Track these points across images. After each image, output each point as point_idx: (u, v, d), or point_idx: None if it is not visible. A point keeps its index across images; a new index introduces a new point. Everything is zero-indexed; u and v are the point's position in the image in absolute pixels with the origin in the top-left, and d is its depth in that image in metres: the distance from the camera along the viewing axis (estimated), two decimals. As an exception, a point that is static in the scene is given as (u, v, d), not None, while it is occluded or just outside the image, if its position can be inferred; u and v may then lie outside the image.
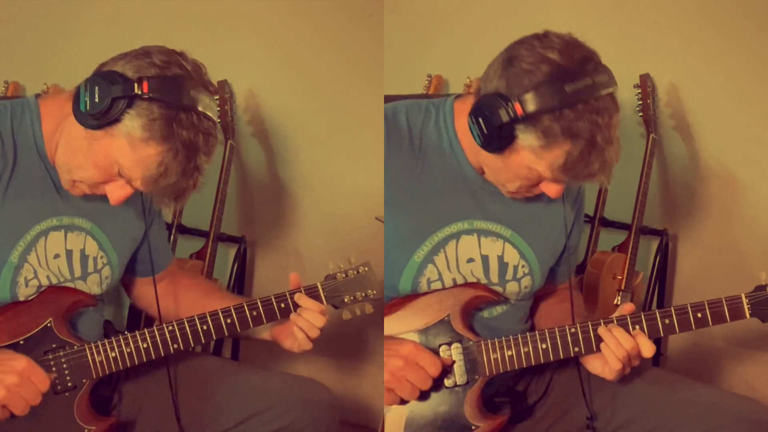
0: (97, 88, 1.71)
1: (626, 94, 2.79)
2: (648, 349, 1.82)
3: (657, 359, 2.86)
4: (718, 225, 2.86)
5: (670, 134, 2.86)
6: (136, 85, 1.70)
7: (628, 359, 1.83)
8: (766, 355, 2.83)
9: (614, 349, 1.82)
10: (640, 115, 2.78)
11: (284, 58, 2.94)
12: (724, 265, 2.81)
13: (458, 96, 1.94)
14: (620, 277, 2.77)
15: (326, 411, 1.94)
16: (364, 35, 2.83)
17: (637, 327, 1.84)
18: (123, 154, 1.73)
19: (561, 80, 1.66)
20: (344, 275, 1.97)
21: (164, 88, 1.71)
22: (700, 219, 2.89)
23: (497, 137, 1.72)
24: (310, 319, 1.92)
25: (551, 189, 1.79)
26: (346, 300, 1.96)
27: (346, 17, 2.87)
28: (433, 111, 1.92)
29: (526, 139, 1.70)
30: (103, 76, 1.72)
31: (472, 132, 1.76)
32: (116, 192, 1.80)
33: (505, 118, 1.69)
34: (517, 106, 1.67)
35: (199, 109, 1.73)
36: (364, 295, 1.97)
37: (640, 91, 2.77)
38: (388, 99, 2.06)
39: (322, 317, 1.92)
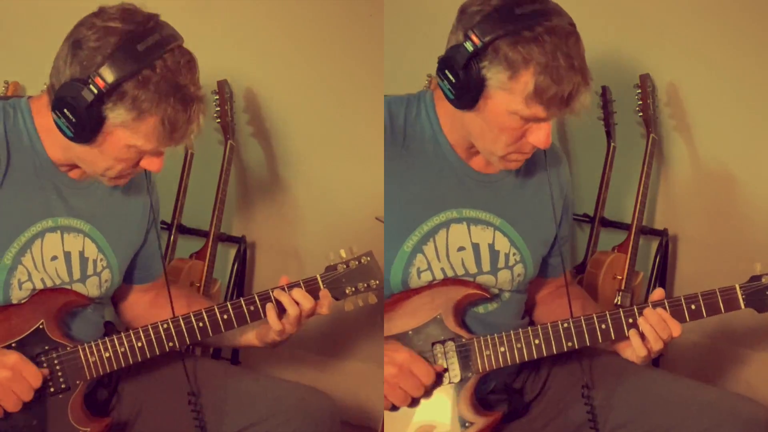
0: (65, 110, 1.70)
1: (626, 94, 2.79)
2: (676, 330, 1.83)
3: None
4: (718, 225, 2.85)
5: (670, 134, 2.85)
6: (91, 86, 1.67)
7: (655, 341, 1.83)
8: (766, 355, 2.82)
9: (647, 332, 1.82)
10: (640, 115, 2.77)
11: (284, 58, 2.94)
12: (724, 265, 2.79)
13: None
14: (620, 277, 2.76)
15: (327, 420, 1.94)
16: (364, 35, 2.83)
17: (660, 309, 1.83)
18: (130, 138, 1.73)
19: (510, 7, 1.71)
20: (345, 266, 1.95)
21: (117, 67, 1.67)
22: (700, 219, 2.88)
23: (467, 84, 1.75)
24: (293, 295, 1.90)
25: (539, 134, 1.80)
26: (347, 291, 1.94)
27: (346, 17, 2.88)
28: (414, 102, 1.94)
29: (494, 76, 1.73)
30: (63, 97, 1.70)
31: (443, 89, 1.79)
32: (153, 164, 1.80)
33: (465, 55, 1.72)
34: (474, 38, 1.71)
35: (158, 58, 1.69)
36: (366, 285, 1.95)
37: (640, 91, 2.76)
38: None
39: (303, 292, 1.90)
